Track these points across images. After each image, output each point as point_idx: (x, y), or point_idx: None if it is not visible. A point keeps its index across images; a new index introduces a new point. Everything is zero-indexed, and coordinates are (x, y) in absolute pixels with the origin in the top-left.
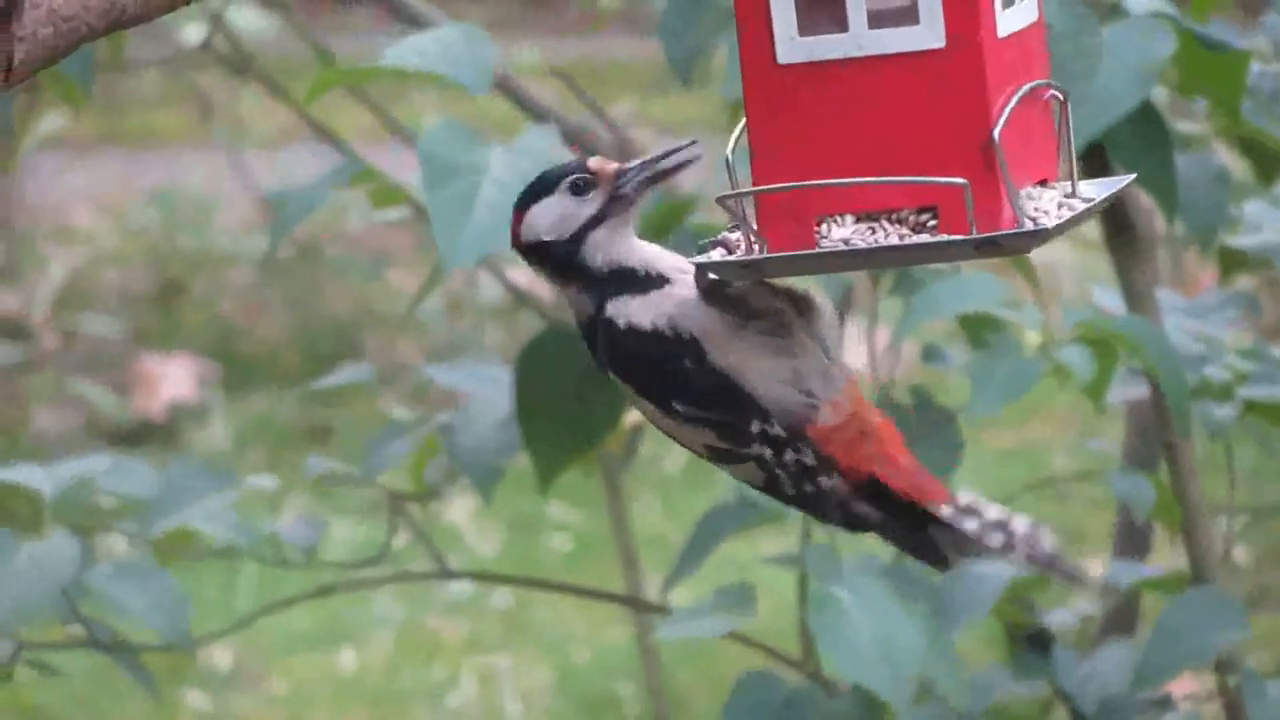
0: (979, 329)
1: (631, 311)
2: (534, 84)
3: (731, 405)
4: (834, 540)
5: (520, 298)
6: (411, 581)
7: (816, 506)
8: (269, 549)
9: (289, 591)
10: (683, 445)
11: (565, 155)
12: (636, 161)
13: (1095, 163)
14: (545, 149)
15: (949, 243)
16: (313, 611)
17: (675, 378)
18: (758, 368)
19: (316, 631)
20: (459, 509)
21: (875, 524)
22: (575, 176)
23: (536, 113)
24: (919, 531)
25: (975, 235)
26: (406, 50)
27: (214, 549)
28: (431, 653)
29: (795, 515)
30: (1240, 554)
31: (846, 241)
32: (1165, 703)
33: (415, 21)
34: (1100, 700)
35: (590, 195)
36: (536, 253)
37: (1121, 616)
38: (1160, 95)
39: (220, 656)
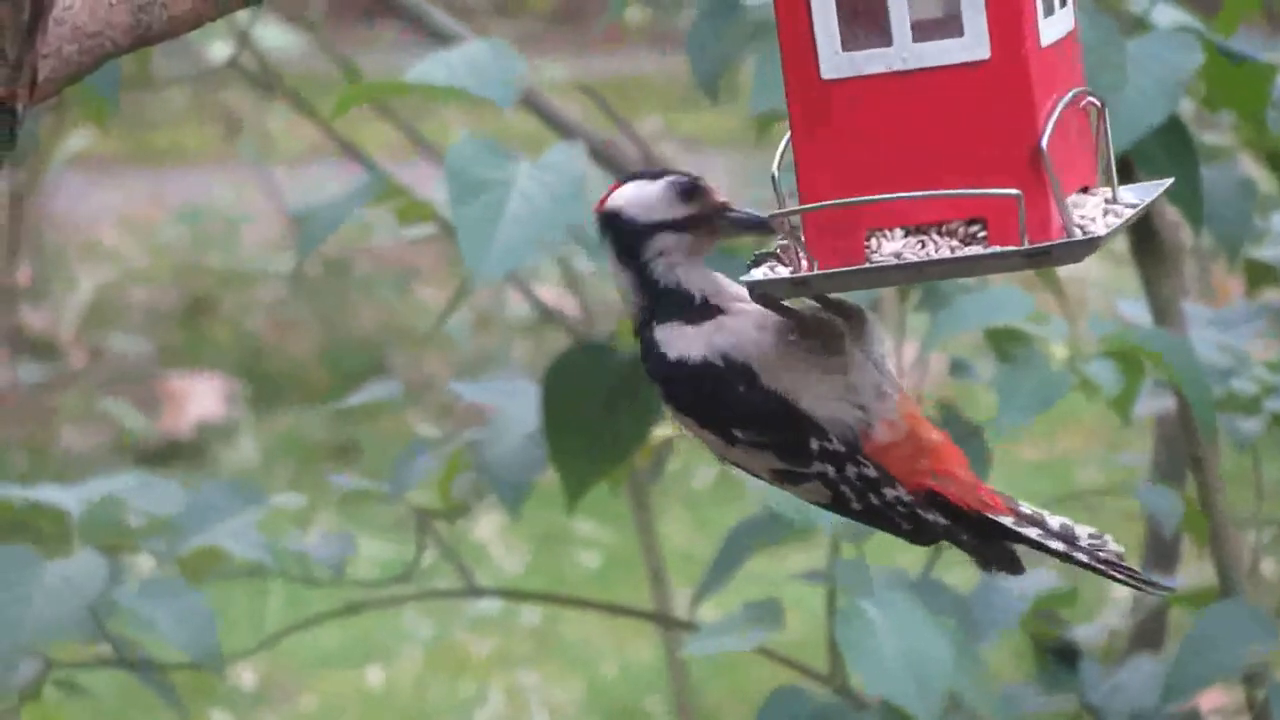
0: (1005, 343)
1: (681, 343)
2: (561, 100)
3: (788, 426)
4: (862, 555)
5: (547, 313)
6: (440, 599)
7: (884, 519)
8: (297, 567)
9: (317, 609)
10: (750, 473)
11: (592, 171)
12: (743, 209)
13: (1121, 175)
14: (572, 164)
15: (1001, 254)
16: (341, 628)
17: (732, 406)
18: (810, 387)
19: (345, 648)
20: (486, 525)
21: (944, 532)
22: (685, 182)
23: (563, 128)
24: (988, 540)
25: (1027, 245)
26: (433, 66)
27: (242, 567)
28: (460, 669)
29: (823, 530)
30: (1268, 566)
31: (898, 256)
32: (1193, 716)
33: (442, 38)
34: (1128, 714)
35: (684, 205)
36: (610, 222)
37: (1149, 630)
38: (1186, 107)
39: (246, 675)
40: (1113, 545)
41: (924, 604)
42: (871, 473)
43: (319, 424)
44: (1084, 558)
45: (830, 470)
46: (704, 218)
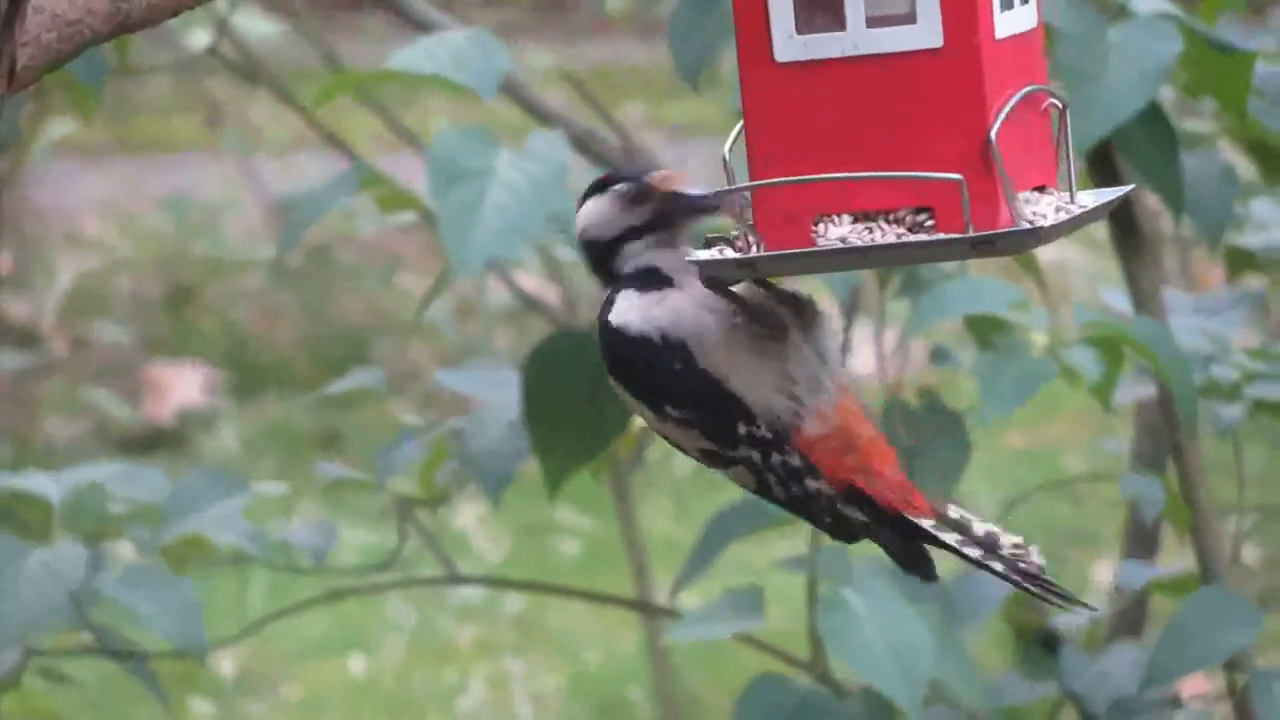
0: (986, 331)
1: (625, 308)
2: (545, 88)
3: (718, 408)
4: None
5: (529, 302)
6: (423, 586)
7: (806, 509)
8: (280, 555)
9: (300, 597)
10: (679, 449)
11: (574, 160)
12: (700, 189)
13: (1103, 162)
14: (553, 153)
15: (945, 241)
16: (324, 617)
17: (665, 381)
18: (745, 371)
19: (328, 637)
20: (467, 514)
21: (863, 529)
22: (628, 187)
23: (545, 118)
24: (908, 541)
25: (971, 234)
26: (415, 55)
27: (225, 555)
28: (443, 657)
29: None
30: (1249, 553)
31: (843, 240)
32: (1175, 702)
33: (425, 27)
34: (1110, 701)
35: (639, 208)
36: (584, 247)
37: (1130, 618)
38: (1167, 95)
39: (229, 663)
40: (1035, 558)
41: (905, 592)
42: (796, 463)
43: (302, 412)
44: (999, 568)
45: (755, 456)
46: (661, 214)
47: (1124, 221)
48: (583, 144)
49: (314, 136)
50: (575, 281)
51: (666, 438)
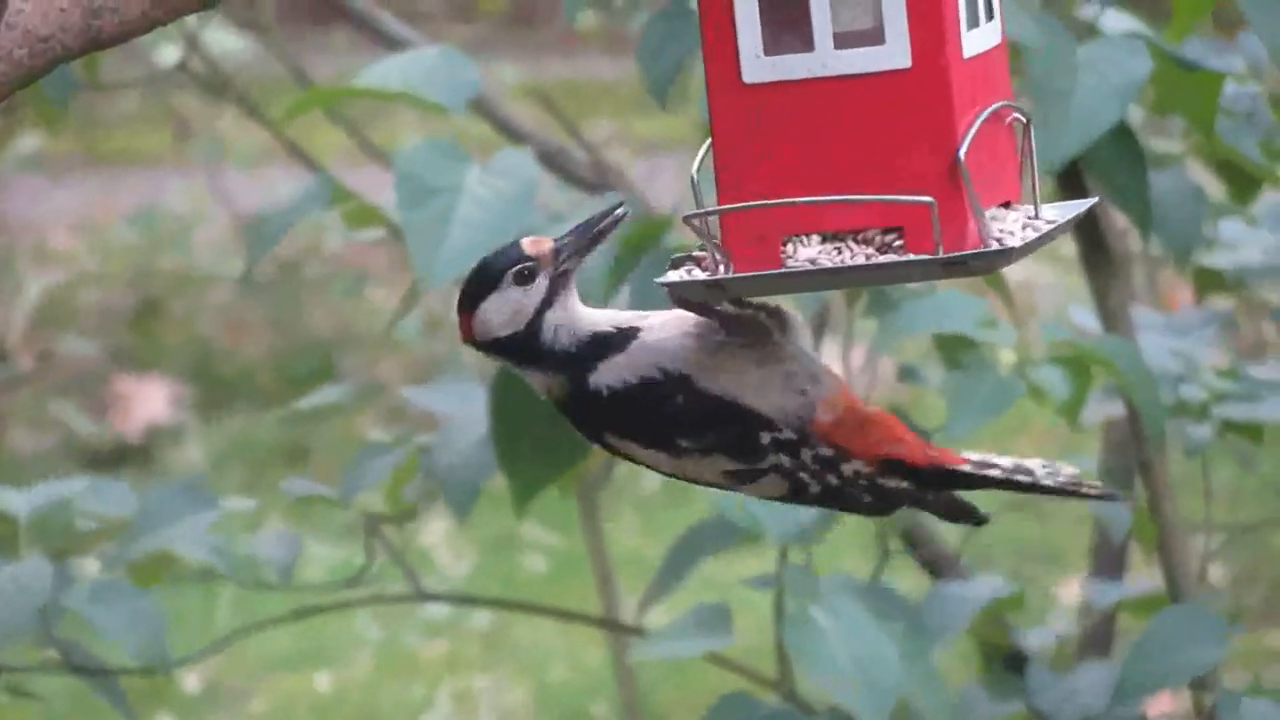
0: (954, 349)
1: (612, 377)
2: (514, 104)
3: (735, 424)
4: (811, 561)
5: None
6: (390, 604)
7: (844, 497)
8: (247, 570)
9: (267, 612)
10: (702, 483)
11: (544, 176)
12: (567, 233)
13: (1071, 181)
14: (522, 168)
15: (916, 262)
16: (290, 631)
17: (674, 417)
18: (751, 381)
19: (295, 652)
20: (433, 529)
21: (906, 496)
22: (518, 267)
23: (514, 134)
24: (949, 495)
25: (942, 255)
26: (384, 71)
27: (192, 570)
28: (410, 673)
29: (770, 537)
30: (1217, 573)
31: (813, 261)
32: None
33: (393, 42)
34: (1078, 719)
35: (535, 281)
36: (494, 348)
37: (1098, 636)
38: (1135, 114)
39: (195, 679)
40: (1067, 469)
41: (872, 609)
42: (827, 452)
43: (270, 427)
44: (1050, 483)
45: (785, 460)
46: (557, 275)
47: (1092, 239)
48: (552, 160)
49: (282, 149)
50: None
51: (685, 475)
